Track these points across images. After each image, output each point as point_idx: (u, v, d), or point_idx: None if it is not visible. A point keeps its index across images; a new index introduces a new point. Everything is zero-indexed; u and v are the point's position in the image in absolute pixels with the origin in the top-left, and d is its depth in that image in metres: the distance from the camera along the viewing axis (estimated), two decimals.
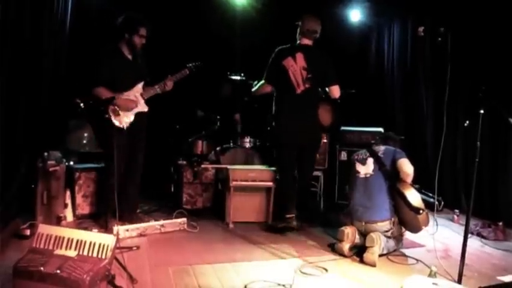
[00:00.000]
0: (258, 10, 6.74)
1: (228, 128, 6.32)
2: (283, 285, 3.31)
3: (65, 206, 4.73)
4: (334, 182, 6.00)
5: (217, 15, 6.63)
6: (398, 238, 4.18)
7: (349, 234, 4.02)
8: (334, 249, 4.17)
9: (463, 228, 3.52)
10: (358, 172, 4.33)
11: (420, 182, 4.28)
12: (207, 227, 4.82)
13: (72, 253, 2.81)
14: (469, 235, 3.78)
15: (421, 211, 3.99)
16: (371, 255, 3.82)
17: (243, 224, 4.96)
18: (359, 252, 4.03)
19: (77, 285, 2.62)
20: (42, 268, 2.67)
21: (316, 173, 5.93)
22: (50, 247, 2.85)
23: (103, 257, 2.82)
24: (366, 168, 4.29)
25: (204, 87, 6.48)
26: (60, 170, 4.63)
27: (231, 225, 4.90)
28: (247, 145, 5.97)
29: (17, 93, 4.37)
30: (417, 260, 3.98)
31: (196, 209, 5.40)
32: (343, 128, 6.08)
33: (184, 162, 5.52)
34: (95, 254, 2.82)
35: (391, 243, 4.08)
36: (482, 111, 3.35)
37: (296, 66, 4.71)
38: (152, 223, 4.53)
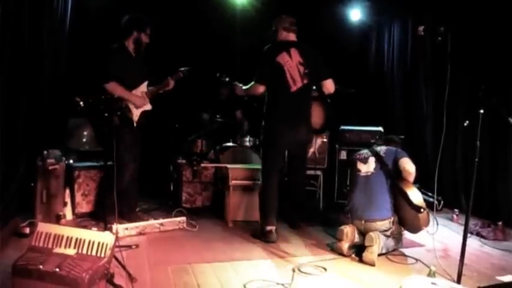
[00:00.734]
0: (257, 9, 6.74)
1: (230, 126, 6.32)
2: (282, 285, 3.31)
3: (65, 204, 4.74)
4: (333, 181, 5.99)
5: (217, 14, 6.63)
6: (397, 237, 4.17)
7: (349, 234, 4.02)
8: (333, 248, 4.17)
9: (462, 227, 3.52)
10: (359, 171, 4.33)
11: (420, 182, 4.28)
12: (206, 226, 4.83)
13: (71, 251, 2.81)
14: (469, 235, 3.78)
15: (422, 210, 3.98)
16: (370, 254, 3.82)
17: (242, 223, 4.96)
18: (358, 251, 4.03)
19: (76, 284, 2.62)
20: (41, 266, 2.66)
21: (315, 172, 5.94)
22: (49, 245, 2.85)
23: (102, 255, 2.82)
24: (367, 167, 4.29)
25: (203, 88, 6.49)
26: (60, 169, 4.63)
27: (230, 224, 4.90)
28: (247, 144, 5.97)
29: (17, 92, 4.37)
30: (416, 259, 3.98)
31: (195, 208, 5.40)
32: (342, 127, 6.07)
33: (184, 161, 5.53)
34: (94, 253, 2.82)
35: (391, 242, 4.07)
36: (482, 111, 3.35)
37: (292, 62, 4.52)
38: (151, 222, 4.53)
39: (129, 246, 3.97)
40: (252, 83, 4.67)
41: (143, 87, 4.75)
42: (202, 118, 6.33)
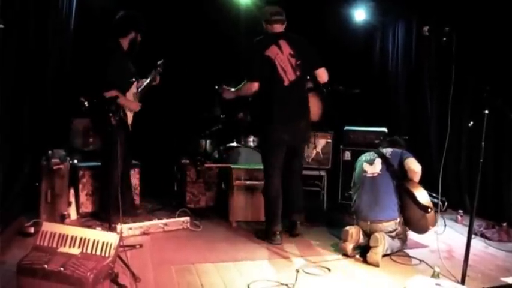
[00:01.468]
0: (260, 10, 6.73)
1: (232, 127, 6.31)
2: (286, 285, 3.31)
3: (69, 204, 4.75)
4: (337, 182, 5.98)
5: (221, 15, 6.62)
6: (403, 239, 4.17)
7: (353, 234, 4.01)
8: (337, 249, 4.17)
9: (466, 228, 3.51)
10: (365, 171, 4.32)
11: (424, 182, 4.26)
12: (210, 226, 4.83)
13: (75, 251, 2.82)
14: (473, 236, 3.77)
15: (430, 210, 3.98)
16: (374, 255, 3.81)
17: (246, 223, 4.96)
18: (362, 252, 4.02)
19: (80, 283, 2.63)
20: (46, 266, 2.67)
21: (319, 172, 5.93)
22: (54, 245, 2.86)
23: (106, 255, 2.83)
24: (373, 168, 4.28)
25: (207, 90, 6.49)
26: (64, 168, 4.65)
27: (234, 225, 4.90)
28: (251, 144, 5.97)
29: (22, 92, 4.38)
30: (420, 260, 3.97)
31: (199, 208, 5.41)
32: (347, 127, 6.06)
33: (188, 161, 5.53)
34: (98, 252, 2.83)
35: (396, 243, 4.07)
36: (486, 112, 3.34)
37: (282, 55, 4.33)
38: (155, 222, 4.54)
39: (133, 246, 3.97)
40: (244, 82, 4.50)
41: (133, 87, 4.75)
42: (215, 114, 6.26)
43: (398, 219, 4.09)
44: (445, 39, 3.57)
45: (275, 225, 4.37)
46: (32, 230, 4.08)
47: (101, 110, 4.10)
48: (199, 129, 6.04)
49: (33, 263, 2.71)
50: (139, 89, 4.85)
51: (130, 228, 4.32)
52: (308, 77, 4.63)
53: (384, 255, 3.89)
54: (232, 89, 4.67)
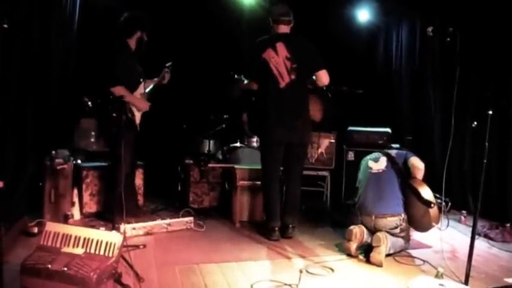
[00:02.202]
0: (265, 9, 6.74)
1: (235, 128, 6.31)
2: (290, 285, 3.31)
3: (72, 204, 4.76)
4: (341, 182, 5.98)
5: (225, 15, 6.63)
6: (406, 237, 4.17)
7: (357, 234, 4.02)
8: (340, 249, 4.17)
9: (470, 229, 3.50)
10: (371, 168, 4.37)
11: (427, 183, 4.27)
12: (213, 226, 4.83)
13: (79, 251, 2.83)
14: (476, 236, 3.77)
15: (432, 205, 3.99)
16: (378, 255, 3.81)
17: (250, 223, 4.97)
18: (366, 252, 4.02)
19: (84, 283, 2.64)
20: (49, 266, 2.68)
21: (323, 173, 5.94)
22: (58, 245, 2.87)
23: (110, 255, 2.83)
24: (379, 165, 4.34)
25: (213, 88, 6.50)
26: (68, 169, 4.65)
27: (237, 225, 4.91)
28: (255, 145, 5.97)
29: (26, 93, 4.39)
30: (424, 260, 3.96)
31: (202, 208, 5.41)
32: (350, 128, 6.05)
33: (192, 161, 5.53)
34: (102, 252, 2.84)
35: (400, 242, 4.07)
36: (490, 112, 3.34)
37: (278, 58, 4.38)
38: (159, 222, 4.54)
39: (137, 246, 3.98)
40: (246, 80, 4.73)
41: (141, 88, 4.75)
42: (210, 119, 6.31)
43: (403, 215, 4.10)
44: (448, 39, 3.56)
45: (273, 221, 4.47)
46: (35, 229, 4.09)
47: (107, 110, 4.13)
48: (203, 130, 6.05)
49: (36, 262, 2.72)
50: (147, 90, 4.85)
51: (134, 229, 4.33)
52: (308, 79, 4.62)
53: (387, 255, 3.89)
54: (245, 82, 4.82)
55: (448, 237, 4.63)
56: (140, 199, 5.27)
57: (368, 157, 4.52)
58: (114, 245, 2.85)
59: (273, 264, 3.80)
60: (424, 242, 4.50)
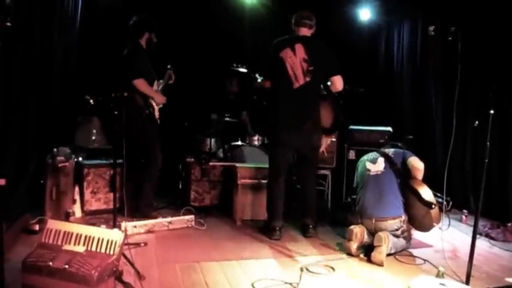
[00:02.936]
0: (266, 7, 6.74)
1: (236, 126, 6.32)
2: (290, 284, 3.31)
3: (74, 201, 4.76)
4: (342, 181, 5.98)
5: (226, 12, 6.63)
6: (407, 238, 4.17)
7: (358, 234, 4.01)
8: (341, 248, 4.17)
9: (471, 228, 3.51)
10: (369, 170, 4.33)
11: (429, 182, 4.26)
12: (214, 225, 4.84)
13: (80, 249, 2.83)
14: (478, 236, 3.76)
15: (433, 206, 3.98)
16: (379, 254, 3.81)
17: (251, 222, 4.97)
18: (367, 251, 4.02)
19: (85, 281, 2.64)
20: (51, 263, 2.69)
21: (324, 171, 5.93)
22: (59, 242, 2.87)
23: (111, 253, 2.84)
24: (377, 166, 4.30)
25: (212, 84, 6.51)
26: (69, 166, 4.66)
27: (238, 223, 4.91)
28: (256, 143, 5.97)
29: (28, 91, 4.39)
30: (425, 260, 3.97)
31: (203, 207, 5.41)
32: (351, 127, 6.06)
33: (193, 159, 5.53)
34: (103, 250, 2.84)
35: (401, 242, 4.07)
36: (492, 111, 3.33)
37: (295, 58, 4.41)
38: (160, 220, 4.55)
39: (138, 244, 3.99)
40: (262, 78, 4.80)
41: (155, 85, 4.90)
42: (211, 118, 6.34)
43: (403, 217, 4.09)
44: (450, 38, 3.56)
45: (275, 221, 4.51)
46: (36, 227, 4.10)
47: (128, 108, 4.30)
48: (204, 128, 6.06)
49: (38, 260, 2.73)
50: (159, 89, 4.99)
51: (135, 226, 4.34)
52: (322, 86, 4.67)
53: (388, 255, 3.89)
54: (259, 80, 4.89)
55: (449, 236, 4.63)
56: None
57: (365, 158, 4.48)
58: (115, 242, 2.86)
59: (274, 263, 3.80)
60: (425, 242, 4.50)
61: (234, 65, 5.47)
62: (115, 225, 3.69)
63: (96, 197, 4.98)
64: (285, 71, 4.42)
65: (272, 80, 4.64)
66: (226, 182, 5.47)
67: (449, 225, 4.58)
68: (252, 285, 3.29)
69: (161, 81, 5.04)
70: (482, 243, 4.44)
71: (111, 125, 4.34)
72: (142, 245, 4.02)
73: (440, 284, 3.04)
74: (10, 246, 3.57)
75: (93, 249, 2.84)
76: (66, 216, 4.54)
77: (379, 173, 4.27)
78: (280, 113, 4.48)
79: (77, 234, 2.89)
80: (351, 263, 3.87)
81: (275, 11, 6.73)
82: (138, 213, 4.72)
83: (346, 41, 6.88)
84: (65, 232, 2.90)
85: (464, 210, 5.37)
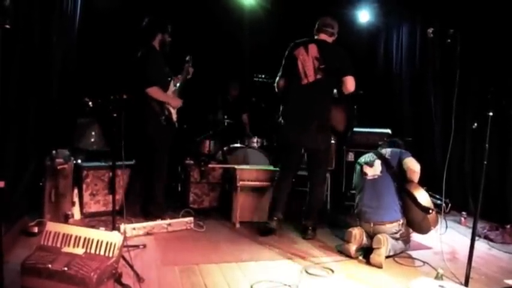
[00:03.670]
0: (266, 10, 6.75)
1: (236, 128, 6.32)
2: (289, 286, 3.31)
3: (73, 204, 4.76)
4: (341, 183, 5.98)
5: (226, 16, 6.64)
6: (406, 240, 4.17)
7: (357, 236, 4.02)
8: (340, 250, 4.17)
9: (470, 230, 3.51)
10: (366, 174, 4.32)
11: (427, 184, 4.27)
12: (213, 227, 4.84)
13: (79, 251, 2.83)
14: (477, 238, 3.77)
15: (430, 211, 3.98)
16: (377, 256, 3.81)
17: (250, 224, 4.96)
18: (365, 253, 4.02)
19: (84, 283, 2.64)
20: (50, 265, 2.69)
21: None
22: (58, 245, 2.87)
23: (110, 255, 2.84)
24: (374, 170, 4.28)
25: (212, 87, 6.50)
26: (68, 168, 4.66)
27: (237, 225, 4.91)
28: (255, 145, 5.97)
29: (27, 93, 4.39)
30: (424, 262, 3.97)
31: (203, 209, 5.41)
32: None
33: (192, 161, 5.53)
34: (102, 252, 2.84)
35: (400, 244, 4.06)
36: (491, 113, 3.34)
37: (307, 56, 4.46)
38: (159, 222, 4.54)
39: (137, 246, 3.98)
40: (277, 78, 4.78)
41: (171, 86, 4.92)
42: (218, 118, 6.34)
43: (401, 221, 4.09)
44: (449, 40, 3.56)
45: (274, 211, 4.63)
46: (35, 229, 4.09)
47: (144, 108, 4.56)
48: (203, 130, 6.06)
49: (37, 262, 2.73)
50: (178, 85, 4.99)
51: (134, 229, 4.33)
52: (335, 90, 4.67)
53: (387, 257, 3.89)
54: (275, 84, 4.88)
55: (448, 238, 4.63)
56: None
57: (362, 160, 4.46)
58: (115, 245, 2.86)
59: (273, 265, 3.80)
60: (424, 243, 4.50)
61: (255, 75, 5.49)
62: (114, 227, 3.69)
63: (95, 199, 4.97)
64: (296, 68, 4.50)
65: (286, 78, 4.67)
66: (226, 184, 5.47)
67: (446, 228, 4.57)
68: (251, 287, 3.29)
69: (179, 76, 5.03)
70: (481, 245, 4.44)
71: (110, 127, 4.34)
72: (141, 247, 4.01)
73: (440, 286, 3.05)
74: (9, 248, 3.56)
75: (92, 251, 2.84)
76: (65, 219, 4.53)
77: (376, 177, 4.26)
78: (289, 111, 4.58)
79: (76, 237, 2.89)
80: (350, 265, 3.87)
81: (273, 12, 6.73)
82: (150, 215, 4.74)
83: (345, 42, 6.85)
84: (64, 234, 2.90)
85: (463, 212, 5.37)
